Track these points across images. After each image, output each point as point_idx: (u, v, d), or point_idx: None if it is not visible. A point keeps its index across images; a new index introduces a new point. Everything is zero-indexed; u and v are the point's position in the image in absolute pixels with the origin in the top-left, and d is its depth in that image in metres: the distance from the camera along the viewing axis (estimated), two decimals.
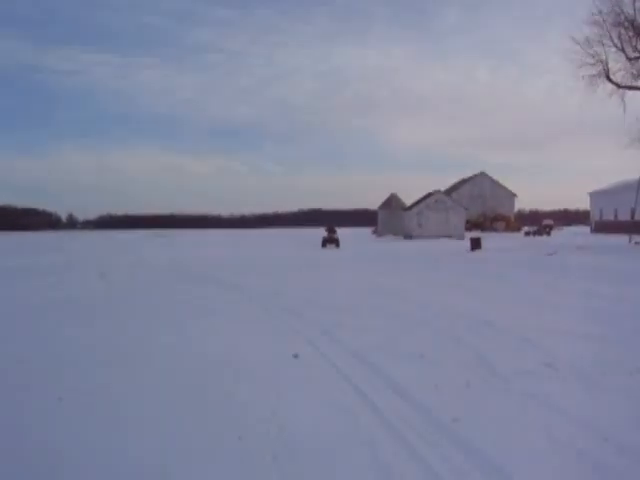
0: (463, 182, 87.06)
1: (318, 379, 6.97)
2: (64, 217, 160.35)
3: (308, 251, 38.32)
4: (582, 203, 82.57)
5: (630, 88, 38.72)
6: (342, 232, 46.75)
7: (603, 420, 5.32)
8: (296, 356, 8.00)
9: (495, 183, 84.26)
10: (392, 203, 70.96)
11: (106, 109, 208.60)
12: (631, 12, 36.78)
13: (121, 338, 9.58)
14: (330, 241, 42.88)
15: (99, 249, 48.46)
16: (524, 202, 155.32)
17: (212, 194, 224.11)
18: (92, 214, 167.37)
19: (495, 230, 75.51)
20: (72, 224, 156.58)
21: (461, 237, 54.82)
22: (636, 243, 37.16)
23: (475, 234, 48.37)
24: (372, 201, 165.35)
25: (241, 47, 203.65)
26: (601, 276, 18.45)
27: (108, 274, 21.85)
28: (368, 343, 8.72)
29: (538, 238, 56.74)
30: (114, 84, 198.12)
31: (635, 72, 38.11)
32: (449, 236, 56.38)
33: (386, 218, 70.33)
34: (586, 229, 76.69)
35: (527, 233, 65.23)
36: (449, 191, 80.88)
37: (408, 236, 59.39)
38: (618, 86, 38.40)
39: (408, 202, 68.31)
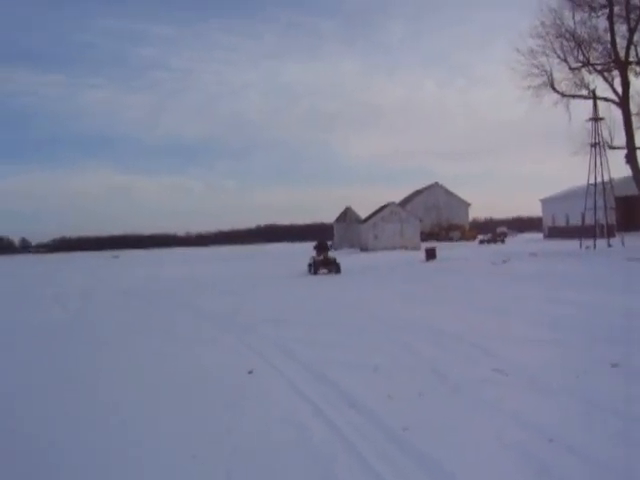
0: (417, 193, 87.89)
1: (274, 391, 7.06)
2: (17, 241, 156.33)
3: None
4: (535, 210, 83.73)
5: (574, 97, 39.87)
6: (300, 247, 44.35)
7: (549, 422, 5.38)
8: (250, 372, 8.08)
9: (449, 193, 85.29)
10: (347, 216, 71.17)
11: (53, 130, 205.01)
12: (571, 24, 38.13)
13: None
14: (325, 264, 29.09)
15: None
16: (478, 211, 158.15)
17: (167, 213, 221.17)
18: (45, 237, 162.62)
19: (450, 239, 76.24)
20: (25, 248, 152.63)
21: (417, 248, 55.06)
22: (587, 247, 37.72)
23: (430, 244, 48.53)
24: (328, 214, 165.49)
25: (189, 64, 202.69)
26: (552, 282, 18.74)
27: None
28: (328, 357, 8.75)
29: (492, 246, 57.34)
30: (61, 105, 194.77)
31: (578, 81, 39.50)
32: (405, 247, 56.62)
33: (342, 231, 70.45)
34: (539, 235, 77.85)
35: (482, 241, 66.00)
36: (404, 203, 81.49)
37: (364, 248, 59.48)
38: (562, 95, 39.48)
39: (363, 215, 68.60)
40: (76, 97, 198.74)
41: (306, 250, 40.51)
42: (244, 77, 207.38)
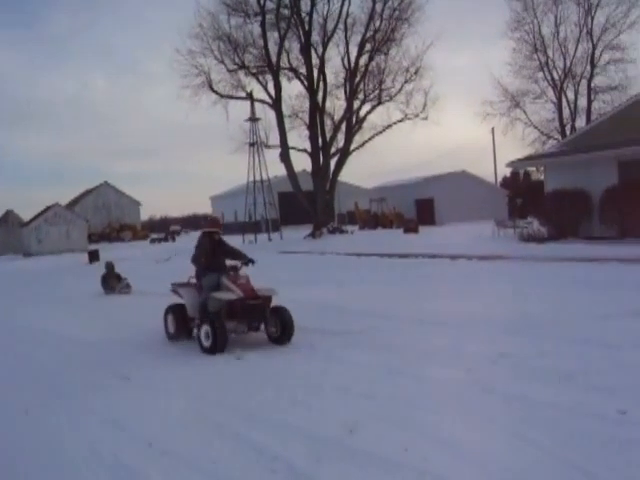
0: (87, 193, 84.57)
1: None
2: None
3: None
4: (208, 208, 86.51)
5: (232, 97, 42.15)
6: None
7: (153, 428, 5.85)
8: None
9: (119, 192, 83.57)
10: (9, 220, 65.50)
11: None
12: (227, 28, 40.07)
13: None
14: (246, 313, 8.75)
15: None
16: (155, 210, 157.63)
17: None
18: None
19: (122, 240, 74.76)
20: None
21: (85, 250, 52.92)
22: (250, 242, 40.18)
23: (99, 246, 47.32)
24: None
25: None
26: None
27: None
28: None
29: (164, 244, 57.88)
30: None
31: (235, 83, 41.81)
32: (72, 250, 54.05)
33: (3, 236, 64.55)
34: None
35: (153, 240, 66.14)
36: (72, 204, 77.96)
37: (28, 254, 55.42)
38: (221, 96, 41.47)
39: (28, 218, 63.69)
40: None
41: None
42: None
